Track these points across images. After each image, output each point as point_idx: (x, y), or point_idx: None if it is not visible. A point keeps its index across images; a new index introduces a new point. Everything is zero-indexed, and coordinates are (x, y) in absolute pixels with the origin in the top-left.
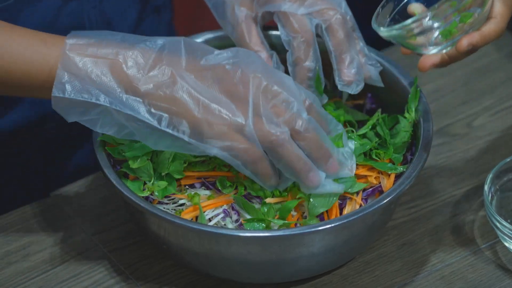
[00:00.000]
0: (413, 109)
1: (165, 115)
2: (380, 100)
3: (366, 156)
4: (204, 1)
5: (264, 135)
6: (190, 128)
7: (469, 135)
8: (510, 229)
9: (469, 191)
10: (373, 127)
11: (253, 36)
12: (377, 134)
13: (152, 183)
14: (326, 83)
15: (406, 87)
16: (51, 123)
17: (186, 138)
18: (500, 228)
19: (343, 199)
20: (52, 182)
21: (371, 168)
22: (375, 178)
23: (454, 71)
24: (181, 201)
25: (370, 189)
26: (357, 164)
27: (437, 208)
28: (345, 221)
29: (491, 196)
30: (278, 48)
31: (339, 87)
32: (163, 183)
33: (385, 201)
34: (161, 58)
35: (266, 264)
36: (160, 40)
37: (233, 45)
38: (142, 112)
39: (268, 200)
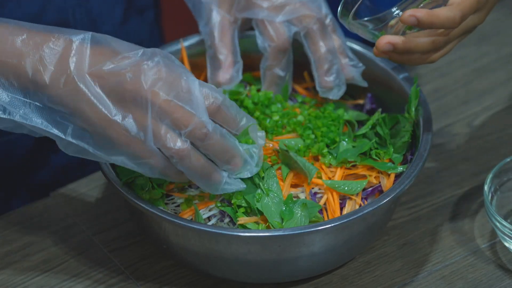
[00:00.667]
0: (413, 109)
1: (70, 125)
2: (380, 100)
3: (366, 156)
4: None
5: (165, 149)
6: (94, 139)
7: (469, 135)
8: (510, 229)
9: (469, 191)
10: (373, 127)
11: (225, 40)
12: (377, 134)
13: (147, 190)
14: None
15: (406, 87)
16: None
17: (91, 149)
18: (500, 228)
19: (343, 199)
20: (52, 182)
21: (371, 168)
22: (375, 177)
23: (454, 71)
24: (179, 201)
25: (370, 188)
26: (357, 164)
27: (437, 208)
28: (345, 220)
29: (491, 196)
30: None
31: (320, 93)
32: (158, 193)
33: (385, 200)
34: (66, 60)
35: (266, 263)
36: (67, 36)
37: None
38: (45, 123)
39: (240, 220)
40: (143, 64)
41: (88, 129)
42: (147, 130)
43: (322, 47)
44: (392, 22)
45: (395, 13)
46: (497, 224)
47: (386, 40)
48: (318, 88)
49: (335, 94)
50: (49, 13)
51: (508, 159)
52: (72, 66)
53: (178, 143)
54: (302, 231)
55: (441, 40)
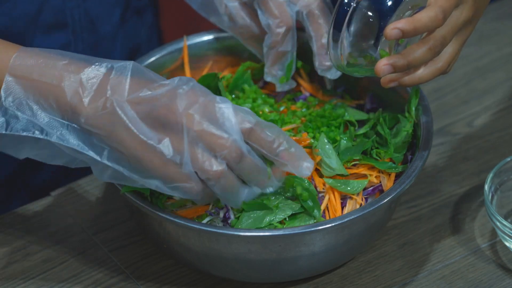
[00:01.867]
0: (413, 109)
1: (106, 148)
2: (381, 100)
3: (366, 155)
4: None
5: (202, 172)
6: (129, 163)
7: (469, 135)
8: (510, 229)
9: (469, 191)
10: (374, 127)
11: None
12: (378, 134)
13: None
14: (326, 82)
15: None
16: None
17: (126, 172)
18: (501, 227)
19: (343, 198)
20: (53, 183)
21: (372, 167)
22: (375, 177)
23: (455, 71)
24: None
25: (371, 188)
26: (357, 163)
27: (438, 208)
28: (345, 220)
29: (492, 196)
30: None
31: (319, 72)
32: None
33: (386, 200)
34: (105, 85)
35: (266, 263)
36: (109, 64)
37: (232, 44)
38: (81, 145)
39: None
40: (178, 89)
41: (124, 152)
42: (183, 154)
43: (324, 26)
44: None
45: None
46: (498, 223)
47: (382, 62)
48: (317, 67)
49: (333, 74)
50: (46, 13)
51: (509, 159)
52: (110, 91)
53: (215, 166)
54: (303, 230)
55: (437, 43)
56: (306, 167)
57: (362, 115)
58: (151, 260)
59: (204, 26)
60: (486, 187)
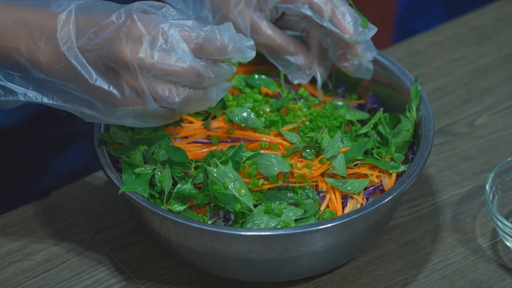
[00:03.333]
0: (414, 109)
1: (76, 96)
2: (382, 100)
3: (367, 155)
4: None
5: (166, 105)
6: (99, 107)
7: (470, 134)
8: (511, 228)
9: (470, 190)
10: (375, 127)
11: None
12: (379, 133)
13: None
14: (328, 82)
15: (407, 87)
16: (41, 124)
17: (99, 116)
18: (501, 227)
19: (344, 198)
20: (52, 181)
21: (373, 167)
22: (376, 177)
23: (455, 71)
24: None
25: (372, 188)
26: (358, 163)
27: (439, 207)
28: (346, 220)
29: (493, 195)
30: None
31: (352, 73)
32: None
33: (387, 200)
34: (54, 36)
35: (267, 262)
36: (55, 7)
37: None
38: (55, 98)
39: None
40: (120, 31)
41: (89, 99)
42: (144, 93)
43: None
44: None
45: None
46: (499, 223)
47: None
48: (345, 64)
49: (367, 57)
50: None
51: (510, 159)
52: (60, 42)
53: (177, 97)
54: (304, 230)
55: None
56: (249, 52)
57: (363, 115)
58: (151, 260)
59: None
60: (487, 187)
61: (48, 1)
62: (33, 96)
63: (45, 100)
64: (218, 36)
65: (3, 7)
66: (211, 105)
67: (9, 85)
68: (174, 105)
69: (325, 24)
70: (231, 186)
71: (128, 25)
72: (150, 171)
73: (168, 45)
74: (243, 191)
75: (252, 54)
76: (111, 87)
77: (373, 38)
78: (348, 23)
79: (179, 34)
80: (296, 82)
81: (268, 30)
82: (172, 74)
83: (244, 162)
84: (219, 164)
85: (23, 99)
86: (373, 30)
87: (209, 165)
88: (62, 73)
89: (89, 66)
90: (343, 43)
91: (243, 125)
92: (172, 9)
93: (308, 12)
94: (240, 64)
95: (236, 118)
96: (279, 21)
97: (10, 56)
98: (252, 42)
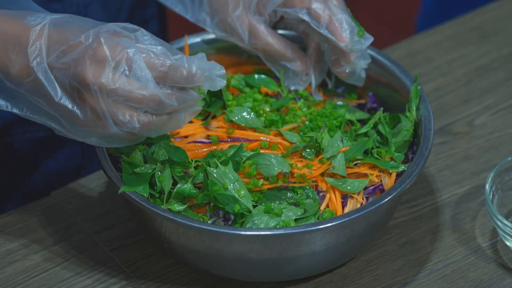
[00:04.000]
0: (414, 108)
1: (44, 109)
2: (382, 99)
3: (367, 155)
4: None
5: (127, 129)
6: (65, 124)
7: (470, 134)
8: (511, 228)
9: (470, 190)
10: (375, 126)
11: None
12: (379, 133)
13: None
14: (328, 82)
15: (407, 86)
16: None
17: (65, 131)
18: (501, 227)
19: (344, 197)
20: (47, 187)
21: (373, 167)
22: (376, 176)
23: (455, 70)
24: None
25: (371, 187)
26: (358, 162)
27: (438, 207)
28: (346, 219)
29: (492, 195)
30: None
31: (346, 78)
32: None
33: (387, 199)
34: (25, 50)
35: (267, 262)
36: (30, 22)
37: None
38: (24, 110)
39: None
40: (86, 53)
41: (56, 115)
42: (105, 117)
43: (329, 7)
44: None
45: None
46: (498, 223)
47: None
48: (338, 70)
49: (361, 65)
50: None
51: (509, 158)
52: (31, 57)
53: (137, 123)
54: (303, 230)
55: None
56: (219, 81)
57: (363, 115)
58: (151, 260)
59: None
60: (487, 186)
61: (25, 13)
62: (4, 105)
63: (15, 110)
64: (186, 65)
65: None
66: (179, 127)
67: None
68: (135, 130)
69: (321, 31)
70: (230, 187)
71: (94, 47)
72: (150, 171)
73: (132, 71)
74: (242, 192)
75: (222, 83)
76: (75, 107)
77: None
78: (345, 31)
79: (143, 61)
80: (292, 88)
81: (266, 35)
82: (133, 100)
83: (244, 162)
84: (219, 164)
85: None
86: (369, 39)
87: (209, 165)
88: (31, 87)
89: (56, 83)
90: (338, 49)
91: (243, 124)
92: (146, 32)
93: (306, 18)
94: (240, 64)
95: (236, 118)
96: (279, 23)
97: None
98: (223, 71)
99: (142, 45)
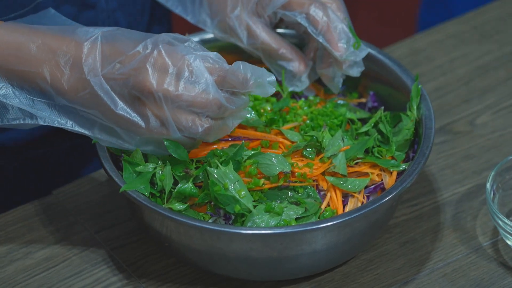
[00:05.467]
0: (415, 107)
1: (97, 122)
2: (383, 98)
3: (368, 153)
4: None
5: (189, 135)
6: (121, 134)
7: (471, 133)
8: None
9: (471, 189)
10: (376, 125)
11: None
12: (380, 132)
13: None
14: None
15: (408, 85)
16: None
17: (117, 142)
18: (502, 226)
19: (345, 196)
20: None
21: (373, 166)
22: (377, 175)
23: (456, 69)
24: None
25: (372, 186)
26: (359, 161)
27: (439, 206)
28: (347, 218)
29: (493, 194)
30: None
31: (335, 83)
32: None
33: (387, 198)
34: (80, 63)
35: (268, 261)
36: (81, 36)
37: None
38: (71, 123)
39: None
40: (147, 61)
41: (110, 125)
42: (169, 123)
43: (327, 15)
44: None
45: None
46: (499, 222)
47: None
48: (336, 59)
49: (354, 72)
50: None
51: (510, 157)
52: (86, 70)
53: (200, 127)
54: (304, 228)
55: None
56: (270, 87)
57: (364, 114)
58: (152, 259)
59: None
60: (488, 185)
61: (74, 27)
62: (52, 121)
63: (64, 125)
64: (242, 69)
65: (28, 32)
66: (228, 132)
67: (30, 109)
68: (197, 135)
69: (318, 38)
70: (231, 187)
71: (154, 56)
72: (151, 170)
73: (193, 76)
74: (243, 192)
75: (272, 90)
76: (136, 116)
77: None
78: (341, 40)
79: (203, 66)
80: (290, 89)
81: (263, 34)
82: (196, 105)
83: (245, 162)
84: (219, 165)
85: (42, 123)
86: (364, 51)
87: (210, 164)
88: (86, 100)
89: (113, 94)
90: (333, 57)
91: (243, 123)
92: (195, 42)
93: (304, 23)
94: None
95: None
96: (281, 23)
97: (33, 81)
98: (273, 78)
99: (199, 52)
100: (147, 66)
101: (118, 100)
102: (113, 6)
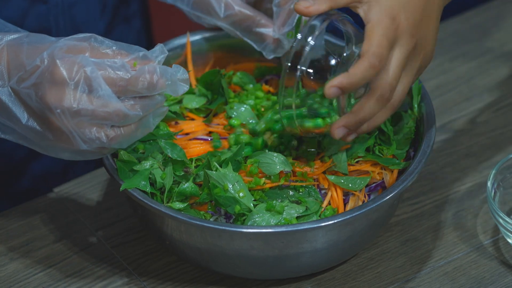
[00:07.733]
0: (416, 105)
1: (14, 130)
2: None
3: (369, 152)
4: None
5: (98, 147)
6: (38, 144)
7: (472, 131)
8: None
9: (472, 187)
10: None
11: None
12: (381, 130)
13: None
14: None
15: None
16: None
17: (39, 150)
18: (503, 224)
19: (346, 195)
20: (33, 189)
21: (374, 164)
22: (378, 174)
23: (457, 67)
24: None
25: (373, 184)
26: (360, 160)
27: (440, 204)
28: (348, 217)
29: (494, 192)
30: None
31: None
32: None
33: (388, 197)
34: None
35: (268, 259)
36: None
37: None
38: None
39: None
40: (43, 77)
41: (26, 135)
42: (73, 136)
43: None
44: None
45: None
46: (500, 220)
47: (336, 125)
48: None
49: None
50: (30, 20)
51: (511, 155)
52: None
53: (105, 138)
54: (305, 227)
55: (384, 92)
56: (181, 86)
57: None
58: (153, 257)
59: (195, 28)
60: (489, 183)
61: None
62: None
63: None
64: (147, 75)
65: None
66: (149, 131)
67: None
68: (105, 145)
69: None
70: (230, 188)
71: (50, 70)
72: (148, 167)
73: (92, 90)
74: (241, 193)
75: (184, 88)
76: (43, 129)
77: None
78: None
79: (101, 77)
80: (271, 57)
81: (239, 3)
82: (97, 118)
83: (245, 161)
84: (218, 167)
85: None
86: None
87: (209, 164)
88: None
89: (21, 107)
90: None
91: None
92: (100, 37)
93: None
94: (241, 61)
95: (234, 114)
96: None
97: None
98: (186, 76)
99: (99, 60)
100: (44, 82)
101: (25, 112)
102: (69, 2)
